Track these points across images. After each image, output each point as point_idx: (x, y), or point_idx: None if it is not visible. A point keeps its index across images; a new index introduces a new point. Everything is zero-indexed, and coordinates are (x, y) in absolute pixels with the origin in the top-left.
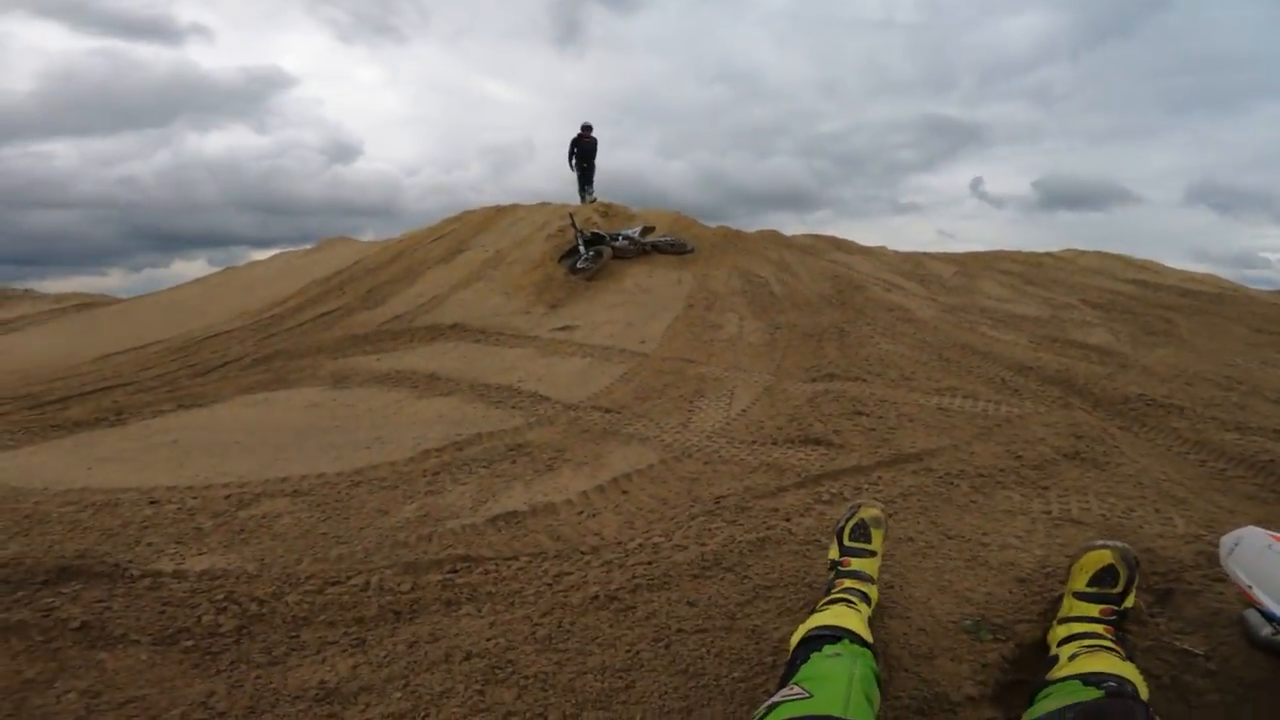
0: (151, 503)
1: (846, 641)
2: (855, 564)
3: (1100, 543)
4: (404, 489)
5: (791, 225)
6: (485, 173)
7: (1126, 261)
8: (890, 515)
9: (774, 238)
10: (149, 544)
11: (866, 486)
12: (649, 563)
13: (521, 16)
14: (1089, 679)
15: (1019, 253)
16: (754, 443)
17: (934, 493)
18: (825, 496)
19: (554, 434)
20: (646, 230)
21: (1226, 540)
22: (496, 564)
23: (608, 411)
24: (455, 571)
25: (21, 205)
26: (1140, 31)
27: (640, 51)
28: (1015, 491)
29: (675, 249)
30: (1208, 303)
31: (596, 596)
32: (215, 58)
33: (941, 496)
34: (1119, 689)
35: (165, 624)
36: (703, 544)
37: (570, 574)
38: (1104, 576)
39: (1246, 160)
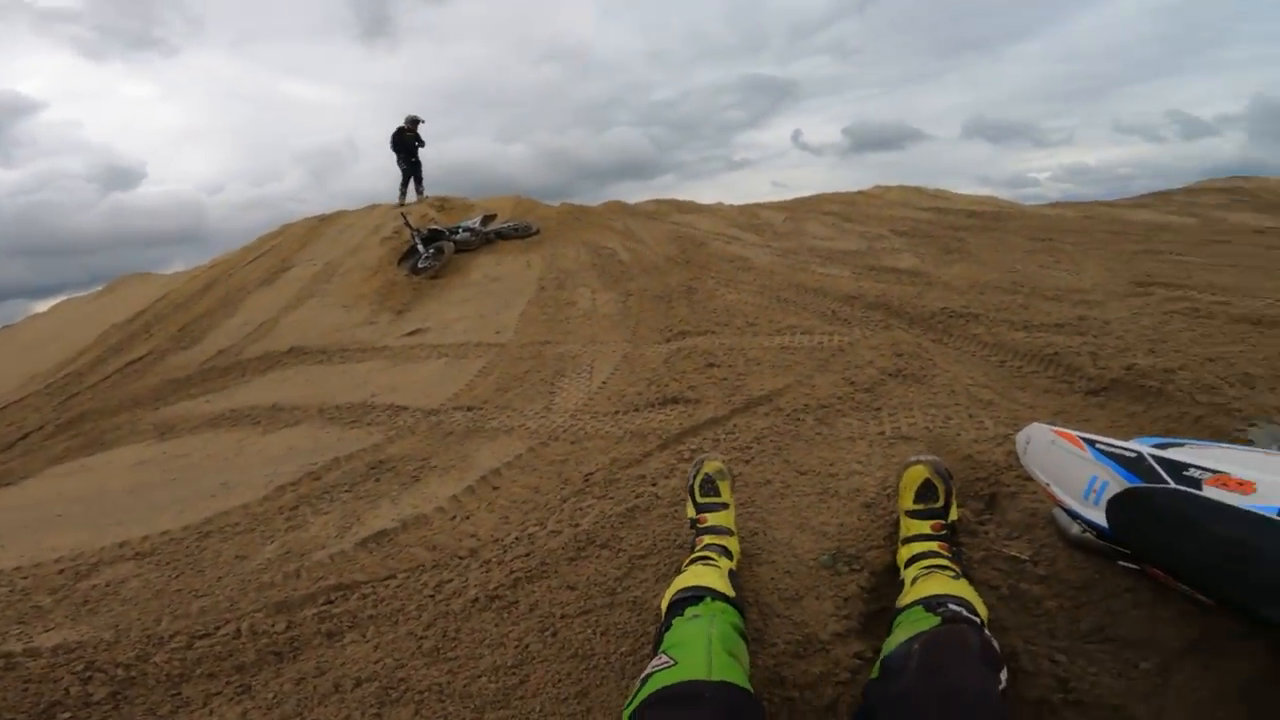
0: None
1: (708, 600)
2: (711, 519)
3: (915, 458)
4: (261, 530)
5: (638, 193)
6: (305, 180)
7: (923, 192)
8: (749, 461)
9: (618, 208)
10: None
11: (724, 436)
12: (526, 555)
13: (318, 15)
14: (929, 604)
15: (837, 194)
16: (617, 413)
17: (784, 431)
18: (686, 454)
19: (416, 443)
20: (488, 219)
21: (1019, 439)
22: (373, 586)
23: (469, 409)
24: (330, 602)
25: None
26: None
27: (461, 38)
28: (853, 417)
29: (520, 233)
30: (991, 220)
31: (477, 599)
32: None
33: (791, 434)
34: (954, 614)
35: (36, 700)
36: (576, 525)
37: (450, 581)
38: (925, 492)
39: (1007, 96)
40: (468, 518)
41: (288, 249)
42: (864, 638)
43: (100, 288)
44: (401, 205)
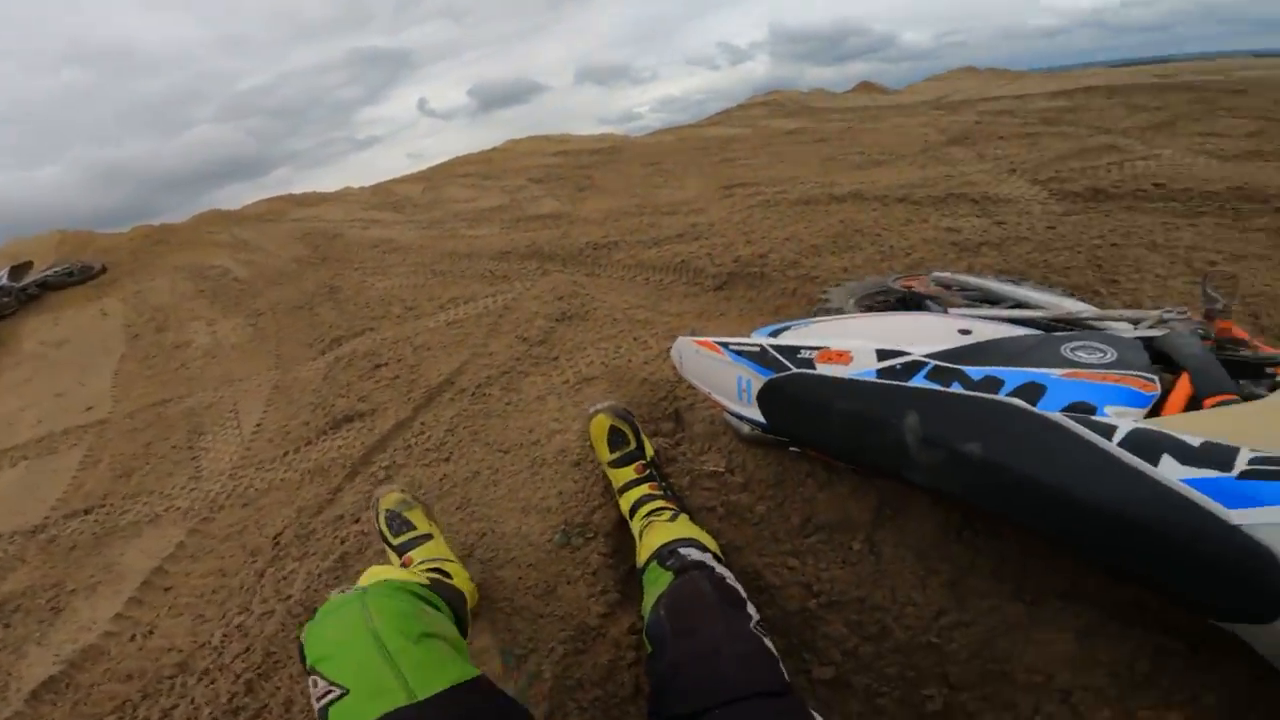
0: None
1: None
2: (418, 556)
3: (592, 409)
4: None
5: (249, 195)
6: None
7: (550, 139)
8: (448, 459)
9: (216, 218)
10: None
11: (415, 441)
12: (246, 650)
13: None
14: (661, 557)
15: (472, 154)
16: (286, 454)
17: (475, 412)
18: (380, 475)
19: (34, 572)
20: (19, 269)
21: (673, 355)
22: None
23: (87, 513)
24: None
25: None
26: None
27: None
28: (536, 375)
29: (77, 277)
30: (609, 155)
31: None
32: None
33: (482, 413)
34: (684, 562)
35: None
36: (285, 597)
37: (176, 707)
38: (615, 439)
39: (605, 42)
40: (151, 632)
41: None
42: (628, 606)
43: None
44: None
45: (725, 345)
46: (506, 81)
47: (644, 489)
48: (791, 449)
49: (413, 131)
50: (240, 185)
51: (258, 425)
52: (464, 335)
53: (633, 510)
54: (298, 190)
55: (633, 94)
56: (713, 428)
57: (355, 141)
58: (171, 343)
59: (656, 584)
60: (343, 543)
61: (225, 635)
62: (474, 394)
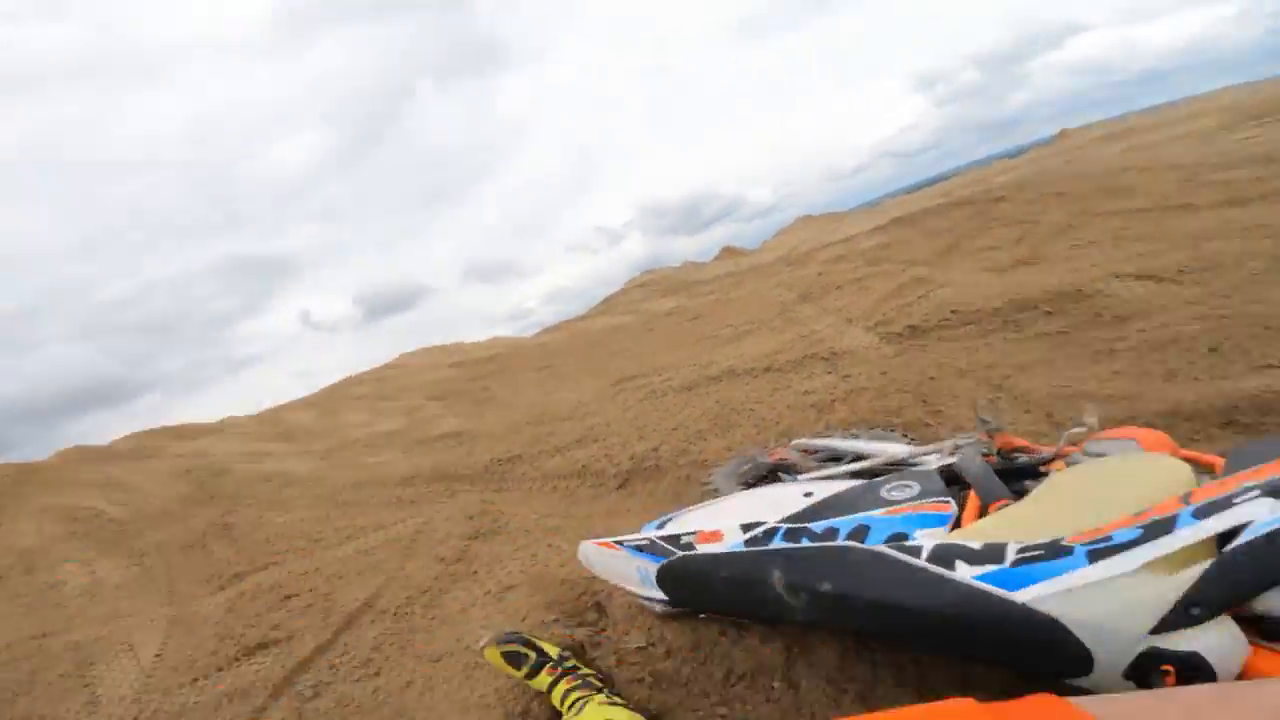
0: None
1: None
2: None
3: (478, 645)
4: None
5: (115, 425)
6: None
7: (442, 349)
8: (378, 673)
9: (83, 455)
10: None
11: (340, 660)
12: None
13: None
14: None
15: (365, 374)
16: (196, 680)
17: (399, 630)
18: (307, 692)
19: None
20: None
21: (580, 558)
22: None
23: None
24: None
25: None
26: (387, 135)
27: None
28: (458, 590)
29: None
30: (502, 364)
31: None
32: None
33: (407, 629)
34: None
35: None
36: None
37: None
38: (514, 661)
39: (485, 236)
40: None
41: None
42: None
43: None
44: None
45: (621, 543)
46: (392, 285)
47: (563, 685)
48: (700, 614)
49: (297, 346)
50: (104, 414)
51: (157, 655)
52: (377, 561)
53: (563, 701)
54: (173, 421)
55: (521, 288)
56: (630, 610)
57: (232, 361)
58: (44, 583)
59: None
60: None
61: None
62: (395, 614)
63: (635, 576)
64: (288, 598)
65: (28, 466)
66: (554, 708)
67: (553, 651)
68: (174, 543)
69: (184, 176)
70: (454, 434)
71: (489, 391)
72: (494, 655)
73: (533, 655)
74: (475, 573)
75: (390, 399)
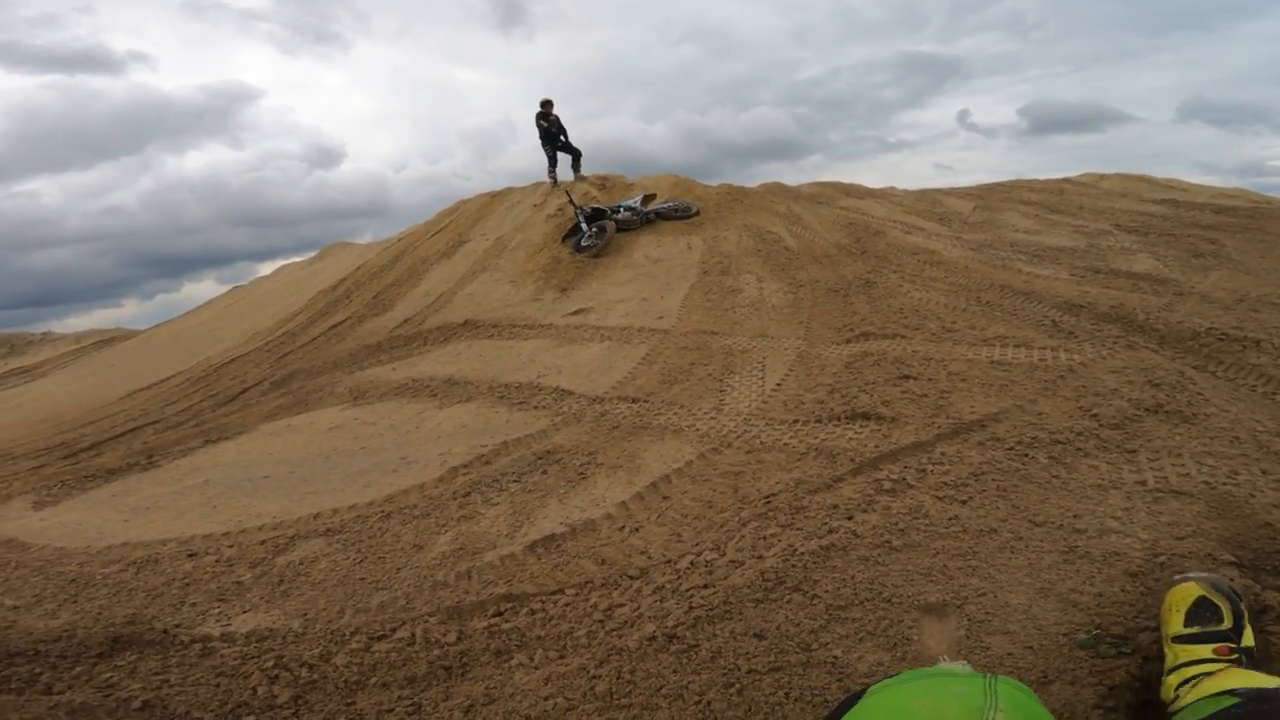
0: (190, 555)
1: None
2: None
3: (1181, 576)
4: (436, 516)
5: (784, 174)
6: (469, 159)
7: (1149, 181)
8: (965, 502)
9: (779, 189)
10: (193, 604)
11: (930, 467)
12: (704, 586)
13: (460, 8)
14: (1222, 694)
15: (1037, 181)
16: (796, 422)
17: (1009, 469)
18: (886, 484)
19: (582, 434)
20: (647, 198)
21: None
22: (542, 601)
23: (634, 401)
24: (500, 614)
25: (20, 247)
26: None
27: (601, 22)
28: (1100, 459)
29: (679, 214)
30: (1246, 219)
31: (654, 637)
32: (166, 81)
33: (1018, 473)
34: (1259, 692)
35: (224, 698)
36: (760, 557)
37: (622, 606)
38: (1201, 612)
39: (1236, 77)
40: (637, 529)
41: (463, 224)
42: None
43: (312, 254)
44: (554, 185)
45: None
46: (1072, 105)
47: (1215, 667)
48: None
49: (947, 142)
50: (778, 164)
51: (778, 385)
52: (1009, 381)
53: (1185, 683)
54: (832, 179)
55: (1273, 143)
56: None
57: (884, 143)
58: (728, 286)
59: (1199, 712)
60: (831, 533)
61: (692, 563)
62: (1012, 448)
63: None
64: (905, 377)
65: (742, 189)
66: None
67: (1248, 639)
68: (824, 283)
69: None
70: (1150, 277)
71: (1217, 246)
72: (1183, 592)
73: (1225, 623)
74: (1134, 452)
75: (1065, 215)
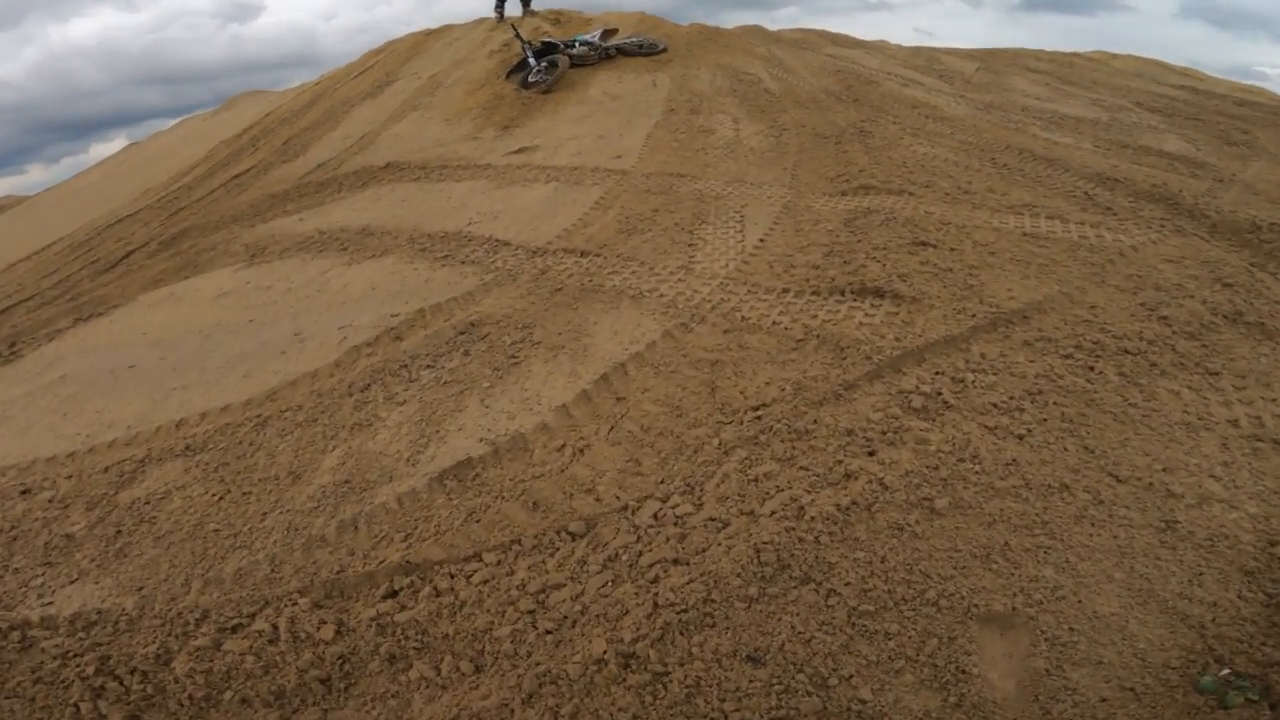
0: (23, 491)
1: None
2: None
3: None
4: (324, 423)
5: (759, 23)
6: (411, 3)
7: (1165, 66)
8: (1022, 436)
9: (757, 32)
10: (16, 570)
11: (971, 375)
12: (675, 561)
13: None
14: None
15: (1043, 51)
16: (787, 291)
17: (1072, 388)
18: (916, 400)
19: (516, 298)
20: (608, 33)
21: None
22: (450, 573)
23: (584, 255)
24: (394, 595)
25: None
26: None
27: None
28: (1178, 381)
29: (645, 50)
30: (1271, 114)
31: (604, 660)
32: None
33: (1085, 396)
34: None
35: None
36: (751, 515)
37: (560, 588)
38: None
39: None
40: (582, 451)
41: (392, 63)
42: None
43: (219, 105)
44: (500, 20)
45: None
46: None
47: None
48: None
49: (931, 7)
50: (752, 13)
51: (761, 240)
52: (1048, 261)
53: None
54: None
55: (1268, 49)
56: None
57: (865, 2)
58: (698, 126)
59: None
60: (849, 478)
61: (655, 517)
62: (1070, 355)
63: None
64: (922, 244)
65: (716, 29)
66: None
67: None
68: (812, 128)
69: None
70: (1185, 159)
71: (1250, 137)
72: None
73: None
74: (1218, 373)
75: (1078, 87)
